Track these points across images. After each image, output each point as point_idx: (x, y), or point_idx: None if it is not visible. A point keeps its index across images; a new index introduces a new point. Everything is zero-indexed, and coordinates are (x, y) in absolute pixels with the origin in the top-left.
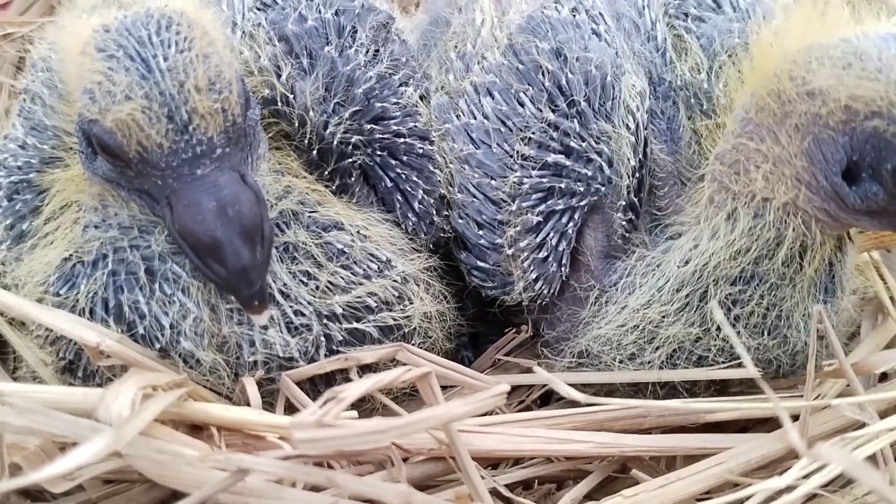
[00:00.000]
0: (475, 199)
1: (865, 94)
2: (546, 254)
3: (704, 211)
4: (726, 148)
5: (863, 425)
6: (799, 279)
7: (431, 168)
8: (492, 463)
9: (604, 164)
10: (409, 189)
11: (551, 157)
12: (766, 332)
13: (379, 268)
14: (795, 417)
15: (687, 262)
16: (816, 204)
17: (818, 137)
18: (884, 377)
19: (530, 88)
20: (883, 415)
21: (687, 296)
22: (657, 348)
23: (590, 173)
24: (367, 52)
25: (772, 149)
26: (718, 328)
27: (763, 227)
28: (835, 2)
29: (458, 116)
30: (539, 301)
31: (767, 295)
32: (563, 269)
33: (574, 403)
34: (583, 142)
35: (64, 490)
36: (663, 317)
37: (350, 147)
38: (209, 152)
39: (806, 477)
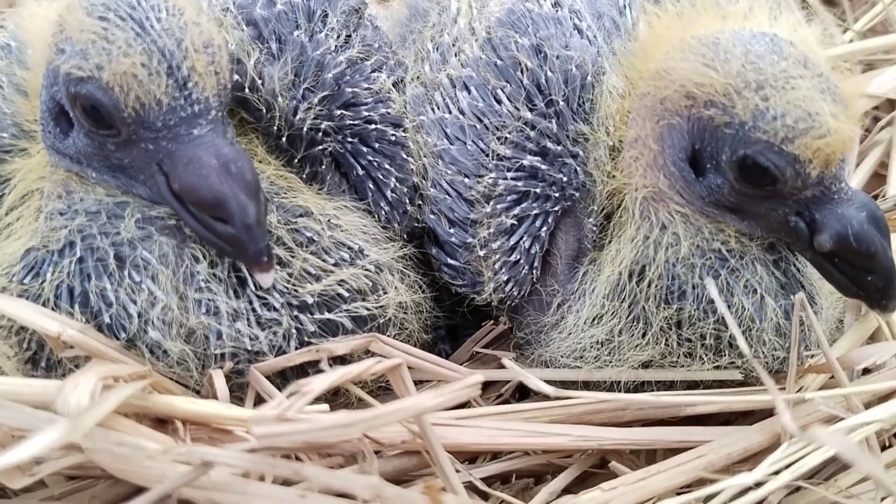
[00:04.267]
0: (448, 197)
1: (704, 81)
2: (518, 257)
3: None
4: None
5: (841, 419)
6: (742, 285)
7: (404, 156)
8: (469, 457)
9: (578, 168)
10: (380, 177)
11: (527, 160)
12: (726, 353)
13: (351, 257)
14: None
15: (619, 263)
16: (680, 193)
17: (670, 122)
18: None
19: (508, 85)
20: (867, 406)
21: (630, 311)
22: (622, 362)
23: (565, 178)
24: (338, 36)
25: (640, 133)
26: (679, 343)
27: (655, 229)
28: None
29: (433, 109)
30: (509, 302)
31: (712, 312)
32: (534, 271)
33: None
34: (559, 144)
35: (23, 485)
36: (619, 333)
37: (320, 134)
38: (205, 112)
39: (777, 473)
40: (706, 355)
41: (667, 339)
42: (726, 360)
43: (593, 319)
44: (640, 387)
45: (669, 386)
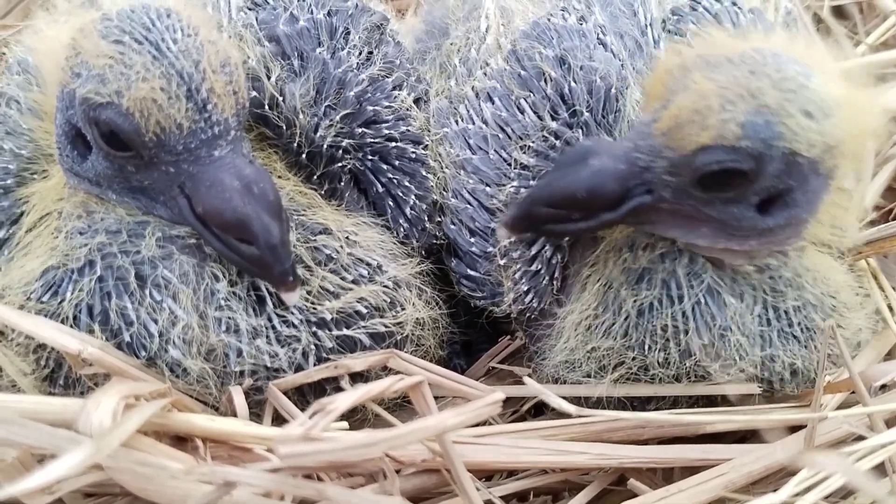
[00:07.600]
0: (469, 206)
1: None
2: (539, 266)
3: None
4: None
5: (862, 437)
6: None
7: (424, 173)
8: (486, 475)
9: None
10: (400, 194)
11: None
12: (685, 354)
13: (369, 273)
14: (796, 429)
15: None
16: None
17: None
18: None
19: (532, 95)
20: (889, 424)
21: (604, 296)
22: (603, 370)
23: None
24: (359, 53)
25: None
26: (651, 343)
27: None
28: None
29: (457, 121)
30: (528, 314)
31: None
32: (554, 282)
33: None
34: None
35: None
36: (596, 327)
37: (340, 151)
38: (225, 133)
39: (800, 494)
40: (672, 354)
41: (638, 336)
42: (692, 364)
43: (579, 319)
44: (646, 402)
45: (674, 401)
